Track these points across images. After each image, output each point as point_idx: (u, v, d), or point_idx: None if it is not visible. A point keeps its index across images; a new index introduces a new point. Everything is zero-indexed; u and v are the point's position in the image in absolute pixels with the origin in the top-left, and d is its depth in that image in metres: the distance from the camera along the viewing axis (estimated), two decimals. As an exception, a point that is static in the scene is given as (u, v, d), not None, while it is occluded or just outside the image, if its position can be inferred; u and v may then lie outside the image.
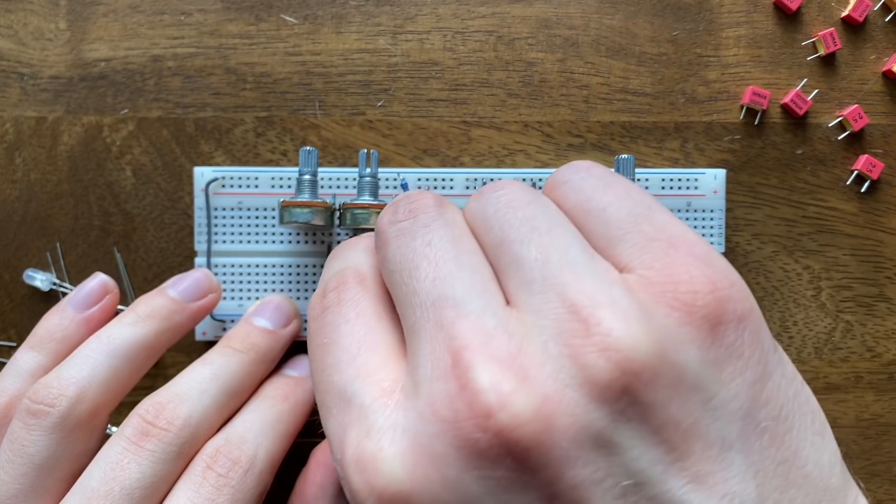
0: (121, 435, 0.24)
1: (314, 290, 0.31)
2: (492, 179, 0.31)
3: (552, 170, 0.32)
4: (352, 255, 0.23)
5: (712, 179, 0.32)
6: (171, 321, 0.27)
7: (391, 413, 0.18)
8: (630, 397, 0.16)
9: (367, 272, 0.22)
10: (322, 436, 0.28)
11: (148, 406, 0.24)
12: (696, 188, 0.32)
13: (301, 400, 0.28)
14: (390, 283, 0.20)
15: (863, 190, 0.33)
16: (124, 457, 0.23)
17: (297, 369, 0.30)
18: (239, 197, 0.32)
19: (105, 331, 0.26)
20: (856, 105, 0.32)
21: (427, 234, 0.20)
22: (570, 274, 0.18)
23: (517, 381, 0.16)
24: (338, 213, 0.30)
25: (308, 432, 0.29)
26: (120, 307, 0.28)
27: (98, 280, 0.29)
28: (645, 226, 0.19)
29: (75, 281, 0.32)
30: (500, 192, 0.21)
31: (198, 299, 0.28)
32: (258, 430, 0.25)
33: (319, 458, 0.27)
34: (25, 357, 0.27)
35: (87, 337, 0.27)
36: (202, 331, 0.32)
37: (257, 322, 0.29)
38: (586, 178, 0.21)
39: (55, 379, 0.24)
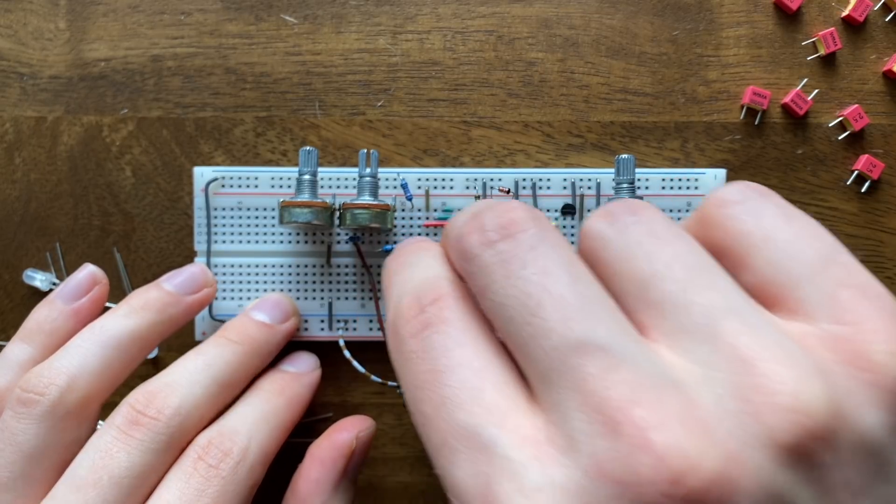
0: (111, 424, 0.24)
1: (314, 290, 0.31)
2: (492, 180, 0.31)
3: (553, 170, 0.32)
4: (433, 264, 0.21)
5: (712, 179, 0.32)
6: (165, 313, 0.27)
7: (545, 469, 0.16)
8: (811, 460, 0.15)
9: (461, 285, 0.20)
10: (318, 433, 0.28)
11: (138, 395, 0.24)
12: (696, 188, 0.32)
13: (297, 395, 0.28)
14: (500, 317, 0.18)
15: (863, 190, 0.33)
16: (113, 445, 0.23)
17: (294, 365, 0.29)
18: (239, 197, 0.32)
19: (98, 322, 0.26)
20: (856, 105, 0.32)
21: (537, 260, 0.17)
22: (739, 324, 0.16)
23: (699, 440, 0.15)
24: (338, 213, 0.30)
25: (305, 433, 0.29)
26: (111, 304, 0.28)
27: (87, 271, 0.28)
28: (834, 269, 0.17)
29: (75, 281, 0.32)
30: (638, 219, 0.19)
31: (193, 293, 0.28)
32: (252, 423, 0.25)
33: (315, 454, 0.27)
34: (15, 350, 0.27)
35: (76, 328, 0.27)
36: (202, 331, 0.32)
37: (255, 316, 0.29)
38: (766, 203, 0.19)
39: (46, 368, 0.24)
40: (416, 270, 0.21)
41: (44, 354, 0.26)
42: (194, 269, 0.29)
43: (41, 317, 0.27)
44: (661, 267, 0.17)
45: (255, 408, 0.26)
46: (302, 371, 0.29)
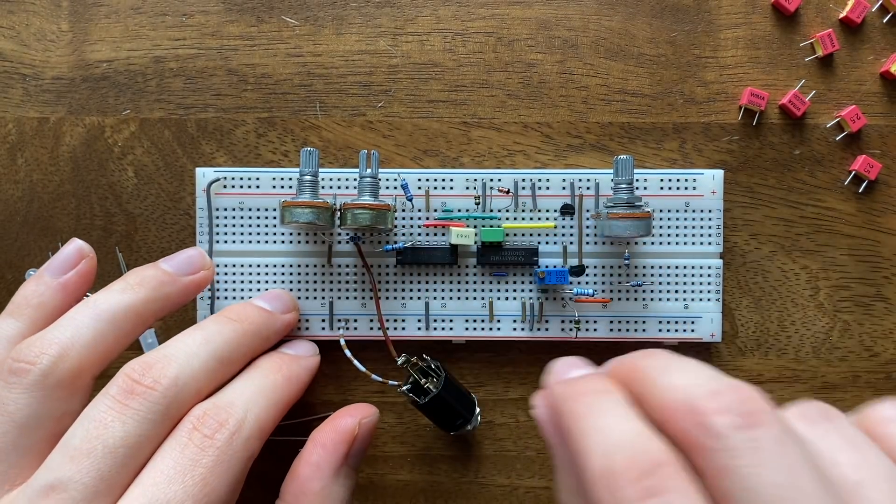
0: (106, 393, 0.23)
1: (315, 290, 0.32)
2: (492, 180, 0.32)
3: (552, 170, 0.32)
4: (629, 415, 0.21)
5: (710, 180, 0.32)
6: (160, 291, 0.27)
7: None
8: None
9: (674, 451, 0.20)
10: (321, 418, 0.28)
11: (135, 365, 0.24)
12: (694, 188, 0.32)
13: (295, 374, 0.28)
14: (742, 502, 0.19)
15: (860, 190, 0.33)
16: (108, 415, 0.23)
17: (293, 349, 0.30)
18: (240, 197, 0.32)
19: (93, 297, 0.26)
20: (853, 106, 0.32)
21: (787, 455, 0.18)
22: None
23: None
24: (338, 214, 0.30)
25: (306, 432, 0.29)
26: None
27: (74, 246, 0.28)
28: None
29: (77, 281, 0.33)
30: (834, 426, 0.20)
31: (190, 274, 0.28)
32: (248, 396, 0.25)
33: (317, 438, 0.27)
34: (2, 325, 0.26)
35: (64, 302, 0.27)
36: (203, 330, 0.32)
37: (256, 303, 0.29)
38: None
39: (38, 339, 0.25)
40: (610, 420, 0.21)
41: (31, 328, 0.26)
42: (192, 252, 0.29)
43: (28, 291, 0.27)
44: (867, 475, 0.19)
45: (252, 382, 0.26)
46: (301, 354, 0.30)
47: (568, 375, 0.24)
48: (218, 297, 0.32)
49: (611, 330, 0.32)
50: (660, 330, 0.32)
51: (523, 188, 0.32)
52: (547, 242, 0.32)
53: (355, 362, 0.30)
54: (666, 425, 0.21)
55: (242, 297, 0.32)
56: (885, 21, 0.33)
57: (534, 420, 0.29)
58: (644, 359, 0.22)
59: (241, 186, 0.32)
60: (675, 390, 0.20)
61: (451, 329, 0.32)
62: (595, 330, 0.32)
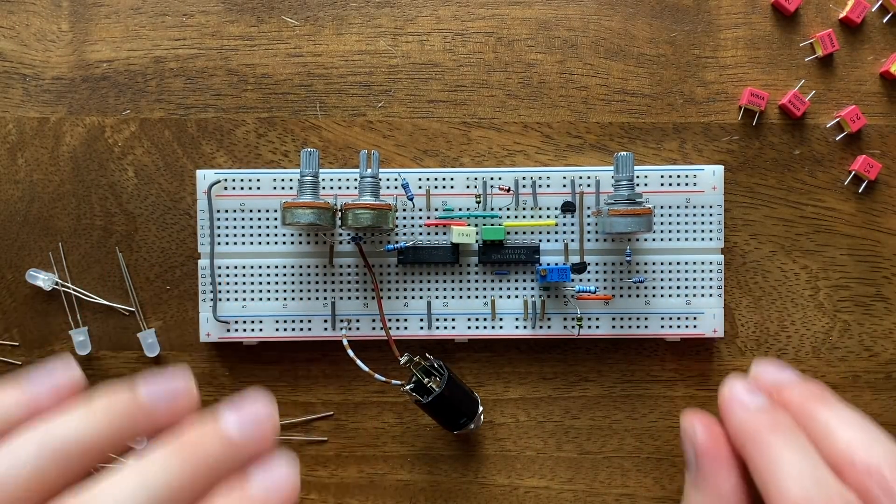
0: None
1: (317, 290, 0.32)
2: (492, 178, 0.32)
3: (553, 168, 0.32)
4: (821, 462, 0.25)
5: (711, 175, 0.32)
6: (127, 422, 0.21)
7: None
8: None
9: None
10: (319, 432, 0.28)
11: None
12: (694, 185, 0.32)
13: None
14: None
15: (860, 190, 0.33)
16: None
17: (263, 475, 0.21)
18: (241, 199, 0.32)
19: (48, 424, 0.20)
20: (853, 106, 0.33)
21: None
22: None
23: None
24: (339, 214, 0.30)
25: (306, 432, 0.29)
26: (115, 305, 0.28)
27: (62, 364, 0.21)
28: None
29: (77, 281, 0.33)
30: None
31: (169, 405, 0.21)
32: None
33: None
34: None
35: (27, 416, 0.20)
36: (206, 332, 0.32)
37: (225, 425, 0.21)
38: None
39: None
40: (804, 460, 0.25)
41: None
42: (179, 384, 0.22)
43: None
44: None
45: None
46: (274, 486, 0.20)
47: (746, 401, 0.28)
48: (220, 299, 0.32)
49: (613, 327, 0.32)
50: (662, 326, 0.32)
51: (524, 186, 0.32)
52: (548, 240, 0.32)
53: (359, 363, 0.30)
54: (843, 474, 0.24)
55: (244, 299, 0.32)
56: (885, 21, 0.33)
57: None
58: (819, 406, 0.26)
59: (242, 188, 0.32)
60: (858, 450, 0.25)
61: (453, 328, 0.32)
62: (597, 327, 0.32)
